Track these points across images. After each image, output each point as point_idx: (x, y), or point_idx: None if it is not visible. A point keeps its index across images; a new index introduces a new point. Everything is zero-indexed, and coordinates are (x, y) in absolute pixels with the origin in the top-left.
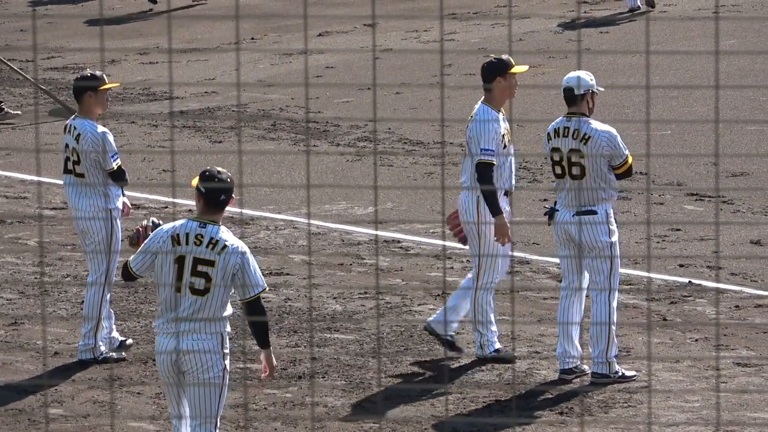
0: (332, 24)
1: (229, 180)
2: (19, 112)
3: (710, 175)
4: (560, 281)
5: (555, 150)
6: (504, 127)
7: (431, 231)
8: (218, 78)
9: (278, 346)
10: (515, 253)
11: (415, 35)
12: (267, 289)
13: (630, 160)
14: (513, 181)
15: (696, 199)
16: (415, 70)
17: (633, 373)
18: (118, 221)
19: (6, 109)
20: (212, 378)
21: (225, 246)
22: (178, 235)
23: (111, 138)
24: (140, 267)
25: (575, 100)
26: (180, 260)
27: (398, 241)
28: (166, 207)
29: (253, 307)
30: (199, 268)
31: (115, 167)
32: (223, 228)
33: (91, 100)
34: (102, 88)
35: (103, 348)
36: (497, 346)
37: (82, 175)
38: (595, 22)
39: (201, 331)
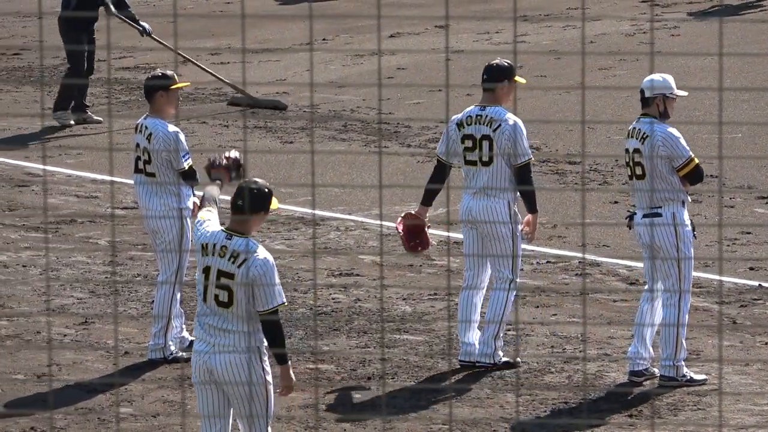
0: (403, 25)
1: (257, 190)
2: (101, 119)
3: None
4: (630, 283)
5: (626, 151)
6: None
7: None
8: (289, 78)
9: (348, 347)
10: (586, 255)
11: (486, 37)
12: (285, 303)
13: (694, 162)
14: None
15: (767, 202)
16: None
17: (702, 376)
18: (188, 221)
19: (89, 113)
20: (240, 398)
21: (245, 259)
22: (206, 244)
23: (183, 137)
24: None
25: (646, 102)
26: (206, 270)
27: None
28: None
29: (267, 321)
30: (222, 280)
31: (187, 167)
32: (250, 241)
33: (162, 100)
34: (173, 88)
35: (173, 347)
36: (501, 353)
37: (152, 175)
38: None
39: (232, 349)
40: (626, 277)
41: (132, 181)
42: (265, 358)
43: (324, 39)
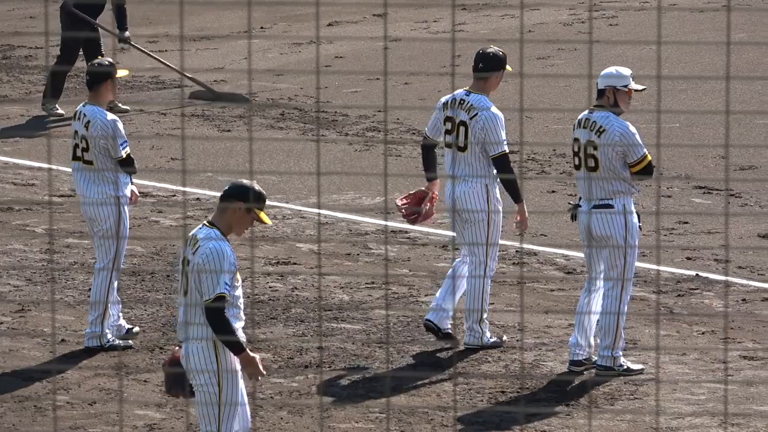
0: (341, 14)
1: (240, 181)
2: (128, 107)
3: (719, 168)
4: (567, 273)
5: (575, 140)
6: None
7: (439, 221)
8: (228, 66)
9: (285, 336)
10: (523, 245)
11: (424, 26)
12: (225, 294)
13: (648, 158)
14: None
15: (704, 192)
16: (423, 61)
17: (639, 366)
18: (125, 208)
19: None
20: (203, 386)
21: (199, 247)
22: (188, 239)
23: (121, 126)
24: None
25: (599, 93)
26: (183, 262)
27: (406, 232)
28: (174, 195)
29: (208, 311)
30: (185, 268)
31: (124, 155)
32: (213, 231)
33: (107, 88)
34: (117, 76)
35: (109, 335)
36: (488, 334)
37: (90, 162)
38: None
39: (192, 339)
40: (563, 266)
41: (69, 169)
42: (222, 349)
43: (262, 27)
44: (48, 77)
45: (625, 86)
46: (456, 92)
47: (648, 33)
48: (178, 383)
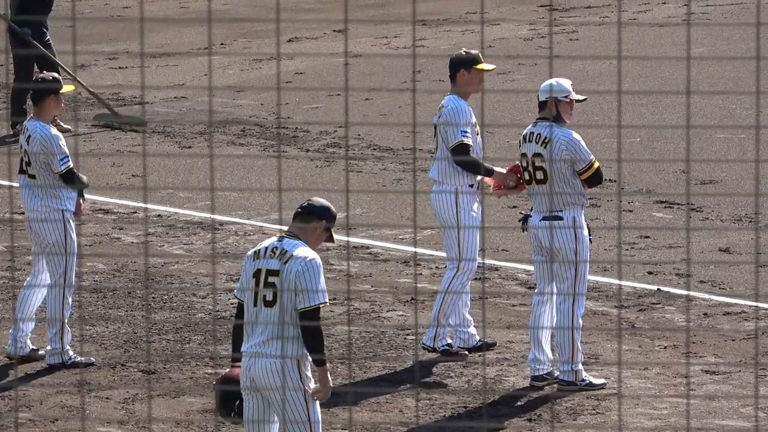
0: (302, 30)
1: (317, 202)
2: (69, 127)
3: (679, 183)
4: (529, 288)
5: (523, 155)
6: (474, 117)
7: (400, 237)
8: (188, 83)
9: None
10: (485, 260)
11: (384, 41)
12: (327, 303)
13: (595, 165)
14: (478, 178)
15: (665, 207)
16: (384, 77)
17: (601, 380)
18: (71, 222)
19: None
20: (292, 405)
21: (291, 256)
22: (259, 250)
23: (62, 141)
24: (238, 293)
25: (541, 106)
26: (257, 274)
27: (367, 247)
28: (135, 212)
29: (306, 320)
30: (269, 279)
31: (64, 170)
32: (301, 243)
33: (52, 103)
34: (62, 92)
35: (71, 352)
36: (449, 341)
37: (34, 177)
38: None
39: (271, 354)
40: (525, 281)
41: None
42: (306, 364)
43: (222, 43)
44: (10, 97)
45: (566, 97)
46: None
47: (608, 48)
48: (230, 402)
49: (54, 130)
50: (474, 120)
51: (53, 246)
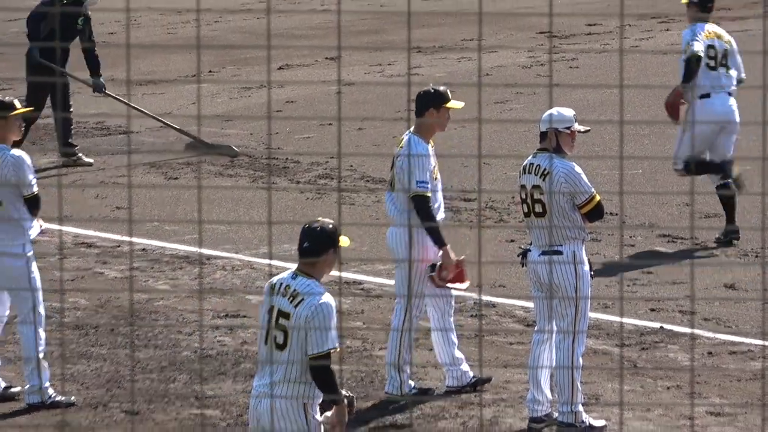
0: (293, 57)
1: (320, 229)
2: (91, 160)
3: (683, 216)
4: (527, 325)
5: (522, 187)
6: (434, 160)
7: (393, 272)
8: (175, 111)
9: (234, 392)
10: (482, 296)
11: (378, 69)
12: (337, 348)
13: (596, 199)
14: (442, 216)
15: (668, 241)
16: (378, 105)
17: (602, 422)
18: (33, 258)
19: (79, 154)
20: None
21: (302, 300)
22: (275, 284)
23: (29, 161)
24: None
25: (542, 136)
26: (270, 311)
27: (359, 283)
28: (119, 246)
29: (316, 367)
30: (281, 321)
31: (32, 194)
32: (314, 282)
33: (6, 127)
34: (12, 115)
35: (51, 391)
36: (412, 383)
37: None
38: None
39: (280, 395)
40: (523, 318)
41: None
42: (315, 408)
43: (210, 71)
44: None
45: (568, 128)
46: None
47: (610, 76)
48: None
49: (19, 151)
50: (433, 164)
51: (17, 281)
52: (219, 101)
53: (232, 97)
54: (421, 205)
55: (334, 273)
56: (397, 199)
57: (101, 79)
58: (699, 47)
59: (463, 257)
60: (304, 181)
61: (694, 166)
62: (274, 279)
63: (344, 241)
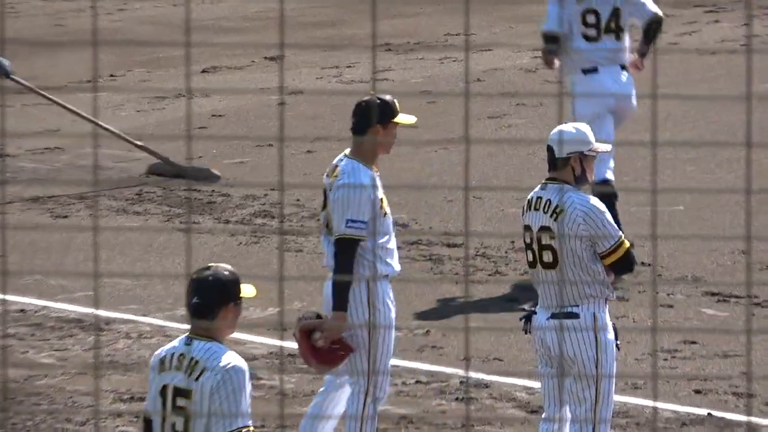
0: (221, 57)
1: (211, 279)
2: None
3: (738, 268)
4: (531, 412)
5: (526, 229)
6: (381, 191)
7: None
8: (64, 128)
9: None
10: (470, 374)
11: (334, 73)
12: (251, 428)
13: (625, 245)
14: (397, 269)
15: (718, 300)
16: (333, 121)
17: None
18: None
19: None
20: None
21: (204, 368)
22: (164, 357)
23: None
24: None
25: (557, 163)
26: (163, 392)
27: None
28: None
29: None
30: (178, 401)
31: None
32: (215, 345)
33: None
34: None
35: None
36: None
37: None
38: None
39: None
40: (525, 402)
41: None
42: None
43: (112, 75)
44: None
45: (591, 149)
46: (339, 155)
47: (640, 83)
48: None
49: None
50: (381, 195)
51: None
52: (123, 115)
53: (141, 109)
54: (345, 251)
55: (274, 342)
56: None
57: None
58: (552, 23)
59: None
60: (236, 220)
61: None
62: (162, 350)
63: (248, 291)
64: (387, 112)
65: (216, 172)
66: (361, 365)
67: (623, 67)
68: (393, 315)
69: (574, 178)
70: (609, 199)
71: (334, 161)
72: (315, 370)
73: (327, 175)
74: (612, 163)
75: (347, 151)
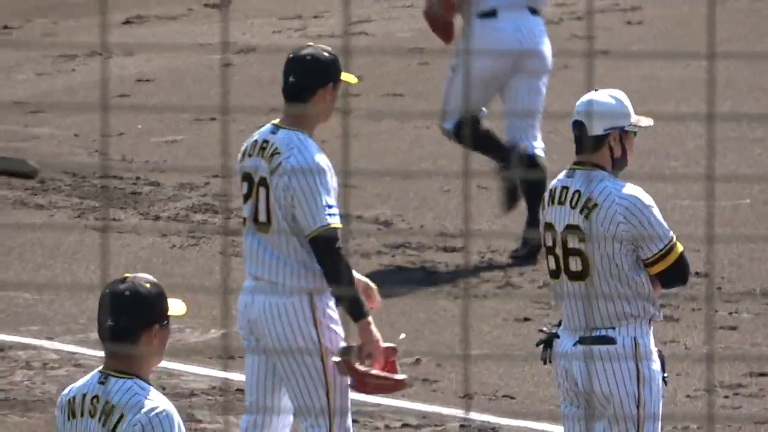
0: (149, 4)
1: (128, 294)
2: None
3: None
4: None
5: (548, 227)
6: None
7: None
8: None
9: None
10: (472, 416)
11: (297, 25)
12: None
13: (678, 249)
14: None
15: None
16: None
17: None
18: None
19: None
20: None
21: (123, 416)
22: (73, 399)
23: None
24: None
25: (589, 142)
26: None
27: None
28: None
29: None
30: None
31: None
32: (136, 383)
33: None
34: None
35: None
36: None
37: None
38: None
39: None
40: None
41: None
42: None
43: (6, 27)
44: None
45: (632, 124)
46: (262, 129)
47: (695, 39)
48: None
49: None
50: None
51: None
52: (20, 79)
53: (43, 72)
54: (333, 247)
55: (218, 373)
56: (279, 243)
57: None
58: None
59: (394, 345)
60: (168, 216)
61: (469, 132)
62: (71, 389)
63: (176, 308)
64: (338, 67)
65: (33, 164)
66: (319, 401)
67: (534, 11)
68: (343, 334)
69: (612, 161)
70: (538, 187)
71: (258, 136)
72: (392, 390)
73: (249, 155)
74: (539, 133)
75: (276, 121)
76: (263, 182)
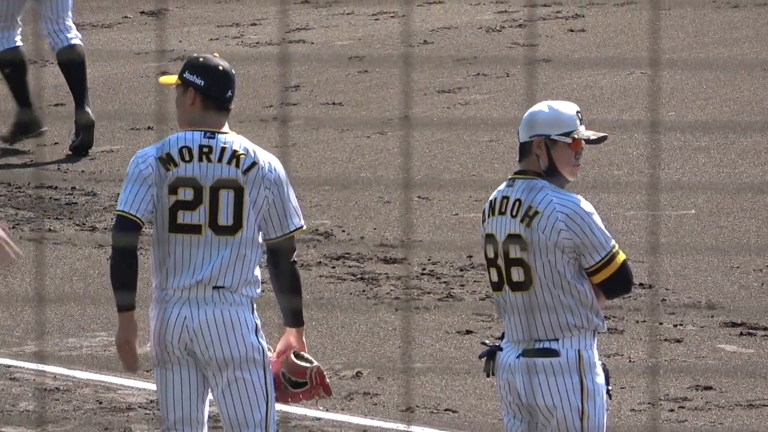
0: (84, 11)
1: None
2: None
3: (766, 291)
4: None
5: (489, 239)
6: None
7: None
8: None
9: None
10: (414, 429)
11: (234, 32)
12: None
13: (620, 258)
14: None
15: (741, 333)
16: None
17: None
18: None
19: None
20: None
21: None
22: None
23: None
24: None
25: (522, 150)
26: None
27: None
28: None
29: None
30: None
31: None
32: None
33: None
34: None
35: None
36: None
37: None
38: None
39: None
40: None
41: None
42: None
43: None
44: None
45: (568, 134)
46: (192, 136)
47: (639, 45)
48: None
49: None
50: None
51: None
52: None
53: None
54: (294, 249)
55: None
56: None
57: None
58: None
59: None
60: (105, 227)
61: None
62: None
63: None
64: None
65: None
66: (259, 412)
67: None
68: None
69: (543, 170)
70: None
71: (222, 143)
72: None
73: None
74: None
75: (226, 128)
76: (223, 186)
